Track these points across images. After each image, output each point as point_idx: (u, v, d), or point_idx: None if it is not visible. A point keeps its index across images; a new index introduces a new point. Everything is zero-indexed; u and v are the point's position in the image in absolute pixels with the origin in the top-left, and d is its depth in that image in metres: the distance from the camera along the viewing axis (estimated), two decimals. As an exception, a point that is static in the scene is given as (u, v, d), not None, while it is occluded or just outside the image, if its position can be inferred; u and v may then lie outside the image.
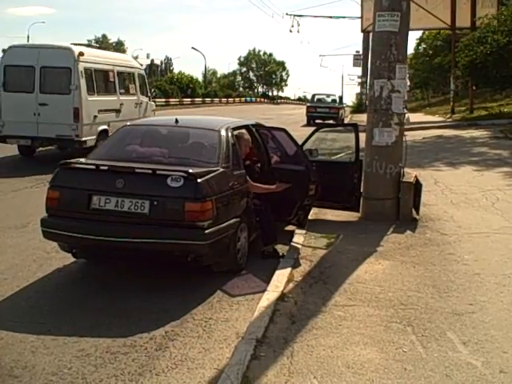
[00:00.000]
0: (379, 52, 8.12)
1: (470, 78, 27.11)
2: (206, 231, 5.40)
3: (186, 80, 56.41)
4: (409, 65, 9.69)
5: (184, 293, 5.58)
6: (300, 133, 16.39)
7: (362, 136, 8.23)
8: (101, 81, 15.12)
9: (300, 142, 8.34)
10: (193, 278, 5.94)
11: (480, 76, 25.29)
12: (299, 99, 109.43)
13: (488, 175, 11.72)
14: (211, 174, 5.68)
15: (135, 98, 17.19)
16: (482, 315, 4.86)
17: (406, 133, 8.44)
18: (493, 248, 6.76)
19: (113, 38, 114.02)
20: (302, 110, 39.41)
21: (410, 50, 51.84)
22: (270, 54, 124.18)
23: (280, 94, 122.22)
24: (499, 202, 9.03)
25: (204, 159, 6.07)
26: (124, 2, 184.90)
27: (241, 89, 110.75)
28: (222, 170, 5.92)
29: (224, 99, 64.55)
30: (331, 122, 31.56)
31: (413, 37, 55.23)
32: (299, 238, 7.28)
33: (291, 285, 5.65)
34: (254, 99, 68.57)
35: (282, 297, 5.30)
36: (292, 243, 7.05)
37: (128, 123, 7.14)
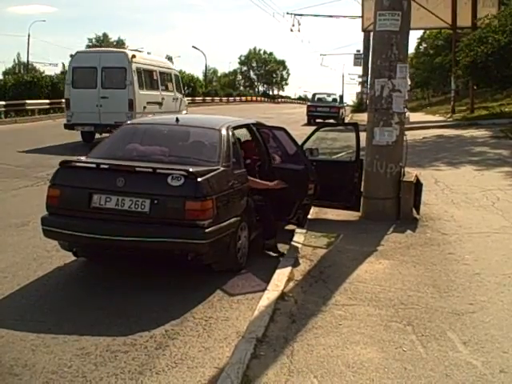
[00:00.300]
0: (380, 51, 8.13)
1: (470, 77, 27.09)
2: (207, 230, 5.40)
3: (187, 79, 56.19)
4: (409, 64, 9.69)
5: (184, 292, 5.58)
6: (300, 132, 16.38)
7: (363, 135, 8.22)
8: (147, 79, 18.55)
9: (300, 142, 8.35)
10: (193, 277, 5.94)
11: (481, 76, 25.28)
12: (300, 98, 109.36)
13: (488, 175, 11.71)
14: (212, 173, 5.67)
15: (172, 94, 20.85)
16: (482, 315, 4.86)
17: (406, 132, 8.44)
18: (493, 248, 6.76)
19: (114, 37, 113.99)
20: (302, 109, 39.38)
21: (411, 49, 51.86)
22: (271, 53, 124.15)
23: (280, 93, 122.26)
24: (499, 202, 9.03)
25: (204, 158, 6.06)
26: (125, 0, 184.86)
27: (241, 88, 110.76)
28: (222, 168, 5.92)
29: (224, 98, 64.51)
30: (332, 121, 31.57)
31: (414, 36, 55.32)
32: (299, 237, 7.28)
33: (291, 284, 5.65)
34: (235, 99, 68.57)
35: (283, 296, 5.30)
36: (292, 242, 7.05)
37: (128, 122, 7.13)
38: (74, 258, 6.29)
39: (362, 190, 8.21)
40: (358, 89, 54.59)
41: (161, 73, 19.89)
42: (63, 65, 69.68)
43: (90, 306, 5.25)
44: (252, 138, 7.48)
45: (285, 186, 6.95)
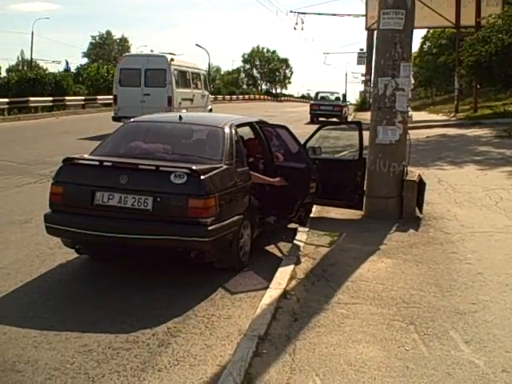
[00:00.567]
0: (384, 50, 8.11)
1: (474, 76, 27.04)
2: (209, 228, 5.40)
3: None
4: (413, 63, 9.67)
5: (186, 289, 5.59)
6: (303, 130, 16.39)
7: (366, 134, 8.21)
8: (182, 78, 21.83)
9: (303, 140, 8.35)
10: (195, 275, 5.95)
11: (484, 75, 25.23)
12: (303, 97, 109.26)
13: (492, 174, 11.69)
14: (214, 171, 5.67)
15: (201, 91, 24.06)
16: (484, 314, 4.86)
17: (409, 131, 8.43)
18: (496, 247, 6.75)
19: (117, 35, 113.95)
20: (305, 108, 39.37)
21: (415, 48, 51.72)
22: (274, 52, 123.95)
23: (283, 91, 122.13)
24: (503, 202, 9.01)
25: (207, 156, 6.07)
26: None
27: (244, 86, 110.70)
28: (225, 166, 5.92)
29: (228, 96, 64.46)
30: (335, 119, 31.56)
31: (417, 35, 55.18)
32: (302, 235, 7.28)
33: (294, 282, 5.65)
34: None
35: (285, 294, 5.30)
36: (295, 241, 7.05)
37: (132, 119, 7.12)
38: (76, 255, 6.30)
39: (364, 188, 8.20)
40: (361, 87, 54.50)
41: (192, 73, 23.10)
42: (66, 62, 69.88)
43: (92, 303, 5.26)
44: (255, 136, 7.47)
45: (285, 183, 6.94)
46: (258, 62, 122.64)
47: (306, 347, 4.28)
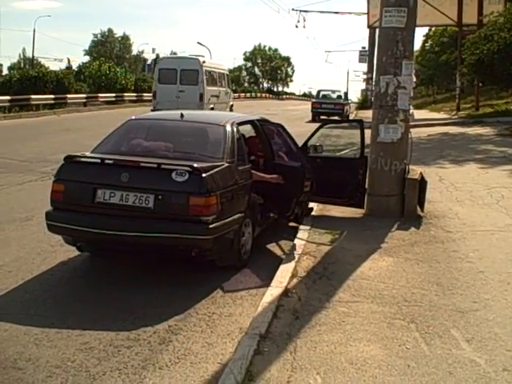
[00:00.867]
0: (385, 48, 8.11)
1: (476, 75, 27.00)
2: (211, 226, 5.40)
3: (192, 75, 56.31)
4: (415, 62, 9.66)
5: (188, 287, 5.59)
6: (305, 129, 16.39)
7: (368, 132, 8.21)
8: (211, 78, 24.92)
9: (305, 138, 8.35)
10: (196, 273, 5.95)
11: (486, 73, 25.17)
12: (304, 95, 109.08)
13: (493, 173, 11.69)
14: (216, 169, 5.67)
15: (225, 89, 27.31)
16: (485, 313, 4.85)
17: (411, 129, 8.42)
18: (497, 246, 6.74)
19: (119, 32, 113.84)
20: (307, 106, 39.32)
21: (417, 46, 51.65)
22: (276, 50, 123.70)
23: (285, 89, 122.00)
24: (504, 200, 9.01)
25: (209, 154, 6.06)
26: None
27: (246, 84, 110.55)
28: (226, 164, 5.92)
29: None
30: (336, 118, 31.53)
31: (419, 33, 55.09)
32: (303, 233, 7.28)
33: (295, 280, 5.65)
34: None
35: (286, 292, 5.30)
36: (296, 239, 7.05)
37: (133, 117, 7.12)
38: (77, 252, 6.30)
39: (366, 187, 8.19)
40: (363, 86, 54.48)
41: (218, 73, 26.50)
42: (68, 60, 69.85)
43: (93, 300, 5.26)
44: (256, 134, 7.46)
45: (281, 181, 6.93)
46: (259, 60, 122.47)
47: (307, 345, 4.27)
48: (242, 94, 69.58)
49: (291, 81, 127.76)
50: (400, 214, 7.98)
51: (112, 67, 42.95)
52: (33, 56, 71.45)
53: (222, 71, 27.55)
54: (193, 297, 5.34)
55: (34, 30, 75.34)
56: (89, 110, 33.55)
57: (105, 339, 4.47)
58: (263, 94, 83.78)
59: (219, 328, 4.72)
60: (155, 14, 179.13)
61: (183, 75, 23.84)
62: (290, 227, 7.75)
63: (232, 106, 28.65)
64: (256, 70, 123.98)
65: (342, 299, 5.17)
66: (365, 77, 51.59)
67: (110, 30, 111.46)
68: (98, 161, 5.77)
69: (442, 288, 5.43)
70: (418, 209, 8.08)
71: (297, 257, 6.34)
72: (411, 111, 8.33)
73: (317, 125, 8.97)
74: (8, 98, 28.10)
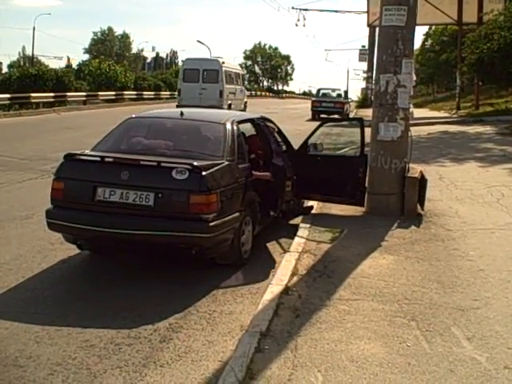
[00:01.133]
0: (385, 46, 8.10)
1: (476, 74, 27.00)
2: (211, 224, 5.41)
3: (192, 73, 56.24)
4: (415, 61, 9.65)
5: (188, 285, 5.59)
6: (305, 127, 16.39)
7: (368, 131, 8.20)
8: (229, 77, 27.98)
9: (305, 137, 8.35)
10: (197, 271, 5.95)
11: (486, 72, 25.18)
12: (304, 94, 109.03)
13: (493, 171, 11.69)
14: (216, 167, 5.67)
15: (240, 87, 30.66)
16: (486, 311, 4.86)
17: (411, 128, 8.42)
18: (498, 244, 6.74)
19: (118, 31, 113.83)
20: (306, 105, 39.30)
21: (417, 45, 51.65)
22: (276, 48, 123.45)
23: (285, 88, 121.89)
24: (504, 198, 9.00)
25: (209, 152, 6.06)
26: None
27: (246, 82, 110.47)
28: (226, 163, 5.92)
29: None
30: (336, 116, 31.51)
31: (419, 32, 55.08)
32: (304, 231, 7.28)
33: (295, 278, 5.65)
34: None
35: (286, 290, 5.30)
36: (296, 237, 7.05)
37: (133, 115, 7.11)
38: (78, 250, 6.30)
39: (366, 185, 8.18)
40: (363, 84, 54.40)
41: (235, 73, 29.88)
42: (68, 58, 69.78)
43: (94, 298, 5.26)
44: (256, 132, 7.46)
45: (269, 178, 6.93)
46: (259, 59, 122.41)
47: (308, 343, 4.27)
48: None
49: (291, 79, 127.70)
50: (400, 213, 7.98)
51: (112, 65, 42.88)
52: (32, 54, 71.46)
53: (237, 71, 31.28)
54: (193, 295, 5.34)
55: (34, 28, 75.40)
56: (89, 108, 33.52)
57: (105, 337, 4.47)
58: (263, 93, 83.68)
59: (220, 326, 4.72)
60: (155, 12, 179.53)
61: (205, 75, 26.99)
62: (290, 225, 7.75)
63: (246, 102, 31.78)
64: (256, 68, 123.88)
65: (342, 297, 5.18)
66: (365, 75, 51.54)
67: (109, 29, 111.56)
68: (98, 159, 5.77)
69: (442, 286, 5.43)
70: (419, 207, 8.08)
71: (297, 255, 6.34)
72: (411, 110, 8.32)
73: (317, 123, 8.96)
74: (8, 96, 28.08)
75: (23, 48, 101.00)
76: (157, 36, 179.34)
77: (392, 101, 8.04)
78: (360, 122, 8.28)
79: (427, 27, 48.68)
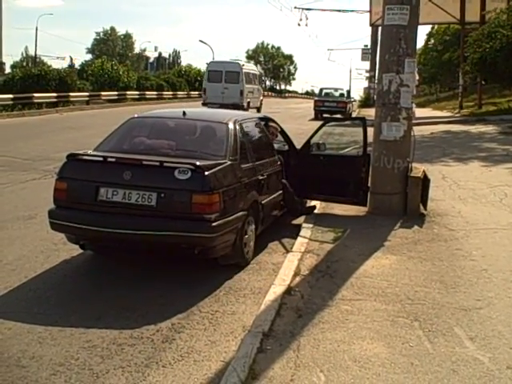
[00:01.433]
0: (388, 46, 8.09)
1: (478, 73, 26.94)
2: (213, 224, 5.40)
3: (194, 73, 56.12)
4: (418, 60, 9.64)
5: (191, 285, 5.59)
6: (307, 127, 16.37)
7: (370, 130, 8.19)
8: (248, 78, 31.75)
9: (307, 137, 8.35)
10: (199, 271, 5.95)
11: (489, 71, 25.12)
12: (307, 93, 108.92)
13: (496, 171, 11.66)
14: (219, 167, 5.67)
15: (257, 86, 34.59)
16: (489, 311, 4.85)
17: (413, 127, 8.40)
18: (500, 244, 6.73)
19: (121, 31, 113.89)
20: (309, 104, 39.29)
21: (419, 45, 51.53)
22: (278, 48, 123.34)
23: (288, 87, 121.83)
24: (507, 198, 8.99)
25: (212, 152, 6.06)
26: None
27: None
28: (229, 162, 5.92)
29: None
30: (339, 116, 31.48)
31: (422, 32, 55.04)
32: (306, 231, 7.28)
33: (298, 279, 5.65)
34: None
35: (289, 290, 5.30)
36: (299, 237, 7.05)
37: (136, 115, 7.11)
38: (80, 251, 6.30)
39: (369, 185, 8.18)
40: (366, 84, 54.38)
41: (252, 74, 33.83)
42: (71, 58, 69.85)
43: (96, 298, 5.26)
44: (259, 132, 7.45)
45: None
46: (262, 58, 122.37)
47: (311, 343, 4.27)
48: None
49: (294, 79, 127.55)
50: (403, 212, 7.97)
51: (115, 65, 42.89)
52: (35, 54, 71.67)
53: (255, 72, 35.48)
54: (196, 295, 5.34)
55: (37, 29, 75.15)
56: (91, 108, 33.53)
57: (108, 337, 4.47)
58: (266, 92, 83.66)
59: (222, 326, 4.72)
60: (157, 12, 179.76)
61: (227, 75, 30.60)
62: (292, 225, 7.75)
63: (262, 100, 35.76)
64: (258, 67, 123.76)
65: (345, 297, 5.17)
66: (367, 75, 51.57)
67: (112, 29, 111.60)
68: (101, 159, 5.77)
69: (445, 286, 5.43)
70: (421, 207, 8.07)
71: (300, 255, 6.34)
72: (413, 108, 8.31)
73: (319, 123, 8.96)
74: (11, 96, 28.07)
75: (26, 48, 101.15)
76: (159, 36, 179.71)
77: (395, 100, 8.03)
78: (363, 122, 8.28)
79: (430, 27, 48.66)
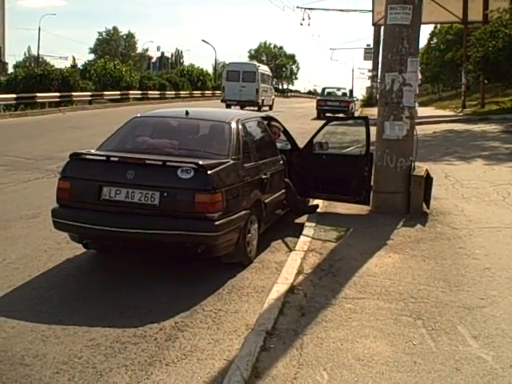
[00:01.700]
0: (391, 45, 8.09)
1: (481, 72, 26.91)
2: (216, 223, 5.40)
3: (197, 73, 56.16)
4: (420, 60, 9.63)
5: (194, 284, 5.59)
6: (310, 126, 16.37)
7: (373, 130, 8.19)
8: (262, 78, 35.57)
9: (310, 136, 8.35)
10: (202, 270, 5.95)
11: (492, 70, 25.11)
12: (309, 92, 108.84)
13: (499, 169, 11.65)
14: (221, 166, 5.67)
15: (270, 86, 38.84)
16: (492, 309, 4.85)
17: (416, 127, 8.40)
18: (504, 242, 6.73)
19: (123, 31, 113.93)
20: (312, 104, 39.36)
21: (422, 44, 51.44)
22: (281, 47, 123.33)
23: (290, 87, 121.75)
24: (510, 197, 8.98)
25: (214, 151, 6.06)
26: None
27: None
28: (232, 162, 5.92)
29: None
30: (341, 115, 31.46)
31: (425, 31, 54.97)
32: (309, 230, 7.28)
33: (301, 277, 5.65)
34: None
35: (292, 289, 5.30)
36: (302, 236, 7.05)
37: (138, 114, 7.11)
38: (83, 250, 6.31)
39: (371, 183, 8.17)
40: (368, 83, 54.44)
41: (266, 75, 37.88)
42: (73, 58, 69.87)
43: (99, 297, 5.27)
44: (262, 131, 7.45)
45: None
46: (264, 58, 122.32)
47: (314, 342, 4.27)
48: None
49: (296, 78, 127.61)
50: (406, 211, 7.97)
51: (117, 65, 42.92)
52: (38, 54, 71.65)
53: (268, 73, 39.63)
54: (199, 293, 5.34)
55: (40, 29, 75.32)
56: (94, 107, 33.57)
57: (111, 336, 4.48)
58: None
59: (225, 324, 4.72)
60: (159, 12, 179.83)
61: (244, 75, 34.22)
62: (295, 224, 7.75)
63: (273, 98, 39.61)
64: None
65: (348, 296, 5.17)
66: (370, 74, 51.55)
67: (114, 28, 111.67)
68: (104, 158, 5.78)
69: (448, 284, 5.42)
70: (424, 206, 8.07)
71: (303, 253, 6.34)
72: (415, 108, 8.30)
73: (322, 122, 8.96)
74: (14, 96, 28.14)
75: (29, 48, 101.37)
76: (161, 36, 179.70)
77: (397, 99, 8.03)
78: (365, 121, 8.28)
79: (432, 26, 48.58)
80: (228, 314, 4.92)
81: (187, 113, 6.73)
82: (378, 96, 9.57)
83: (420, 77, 8.32)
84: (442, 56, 46.82)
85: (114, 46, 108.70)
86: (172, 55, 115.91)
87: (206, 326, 4.68)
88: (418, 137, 8.51)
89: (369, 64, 52.50)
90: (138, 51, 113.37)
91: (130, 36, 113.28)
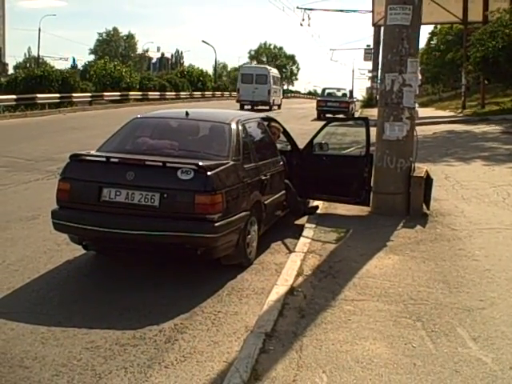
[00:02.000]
0: (391, 46, 8.08)
1: (481, 72, 26.91)
2: (216, 224, 5.40)
3: (197, 73, 56.18)
4: (420, 60, 9.63)
5: (193, 286, 5.59)
6: (310, 127, 16.35)
7: (373, 130, 8.18)
8: (273, 80, 38.97)
9: (310, 137, 8.34)
10: (202, 272, 5.95)
11: (492, 71, 25.11)
12: (309, 93, 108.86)
13: (499, 170, 11.65)
14: (221, 167, 5.67)
15: (279, 87, 43.12)
16: (492, 311, 4.84)
17: (416, 127, 8.39)
18: (504, 244, 6.72)
19: (124, 32, 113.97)
20: (311, 104, 39.42)
21: (422, 44, 51.43)
22: (281, 48, 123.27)
23: (290, 87, 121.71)
24: (510, 198, 8.98)
25: (214, 152, 6.06)
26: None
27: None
28: (232, 163, 5.92)
29: (234, 93, 64.46)
30: (341, 116, 31.45)
31: (425, 32, 54.92)
32: (309, 232, 7.27)
33: (300, 279, 5.64)
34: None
35: (292, 291, 5.29)
36: (302, 237, 7.04)
37: (139, 115, 7.11)
38: (83, 251, 6.30)
39: (371, 184, 8.17)
40: (368, 84, 54.44)
41: (276, 77, 41.52)
42: (74, 59, 69.92)
43: (99, 299, 5.27)
44: (262, 132, 7.45)
45: None
46: (264, 59, 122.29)
47: (313, 344, 4.27)
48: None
49: (296, 79, 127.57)
50: (406, 212, 7.96)
51: (117, 66, 42.93)
52: (38, 55, 71.54)
53: (277, 75, 43.27)
54: (198, 295, 5.34)
55: (40, 29, 75.02)
56: (94, 108, 33.60)
57: (111, 338, 4.47)
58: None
59: (225, 326, 4.71)
60: (159, 13, 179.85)
61: (257, 78, 37.66)
62: (295, 225, 7.75)
63: (282, 99, 43.67)
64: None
65: (347, 297, 5.17)
66: (370, 75, 51.53)
67: (114, 29, 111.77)
68: (104, 159, 5.77)
69: (448, 286, 5.42)
70: (424, 207, 8.06)
71: (302, 255, 6.33)
72: (416, 109, 8.30)
73: (322, 123, 8.96)
74: (14, 97, 28.16)
75: (29, 49, 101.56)
76: (161, 37, 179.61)
77: (397, 100, 8.03)
78: (365, 122, 8.27)
79: (432, 26, 48.57)
80: (227, 316, 4.92)
81: (187, 114, 6.73)
82: (378, 97, 9.57)
83: (420, 77, 8.32)
84: (442, 56, 46.82)
85: (114, 47, 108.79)
86: (172, 56, 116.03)
87: (206, 328, 4.67)
88: (418, 137, 8.51)
89: (369, 64, 52.51)
90: (138, 52, 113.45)
91: (130, 37, 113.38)
